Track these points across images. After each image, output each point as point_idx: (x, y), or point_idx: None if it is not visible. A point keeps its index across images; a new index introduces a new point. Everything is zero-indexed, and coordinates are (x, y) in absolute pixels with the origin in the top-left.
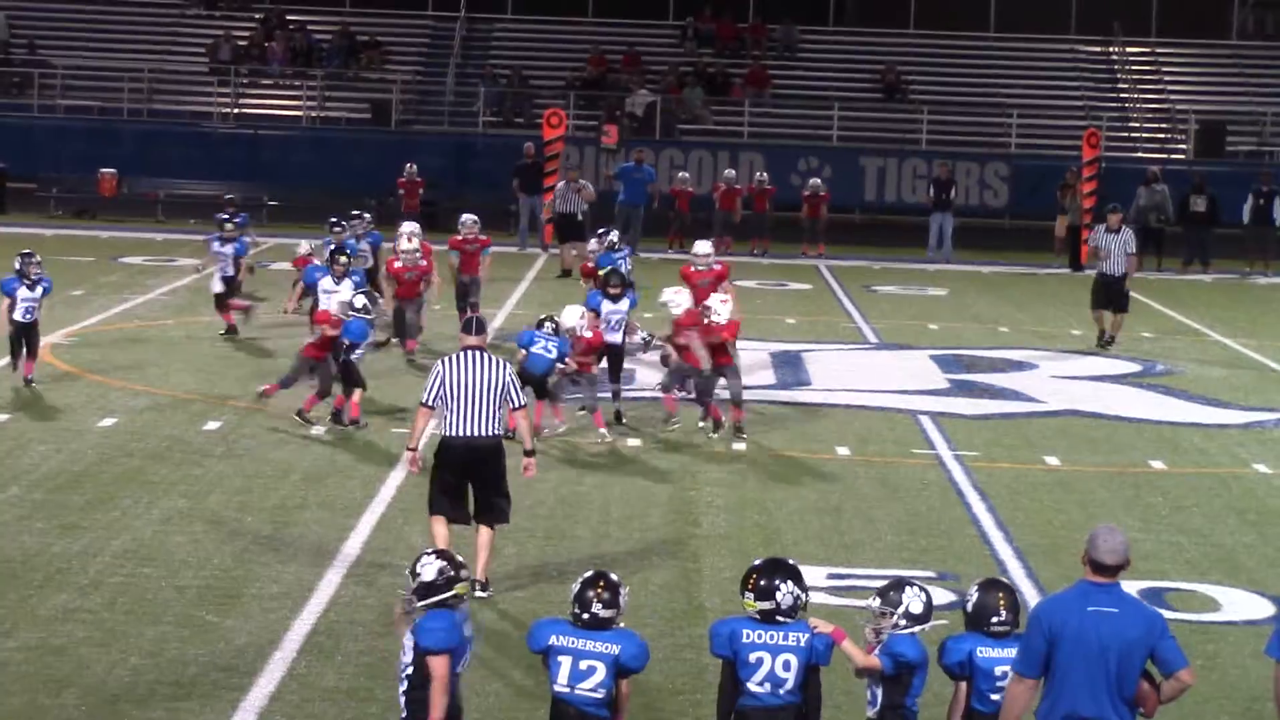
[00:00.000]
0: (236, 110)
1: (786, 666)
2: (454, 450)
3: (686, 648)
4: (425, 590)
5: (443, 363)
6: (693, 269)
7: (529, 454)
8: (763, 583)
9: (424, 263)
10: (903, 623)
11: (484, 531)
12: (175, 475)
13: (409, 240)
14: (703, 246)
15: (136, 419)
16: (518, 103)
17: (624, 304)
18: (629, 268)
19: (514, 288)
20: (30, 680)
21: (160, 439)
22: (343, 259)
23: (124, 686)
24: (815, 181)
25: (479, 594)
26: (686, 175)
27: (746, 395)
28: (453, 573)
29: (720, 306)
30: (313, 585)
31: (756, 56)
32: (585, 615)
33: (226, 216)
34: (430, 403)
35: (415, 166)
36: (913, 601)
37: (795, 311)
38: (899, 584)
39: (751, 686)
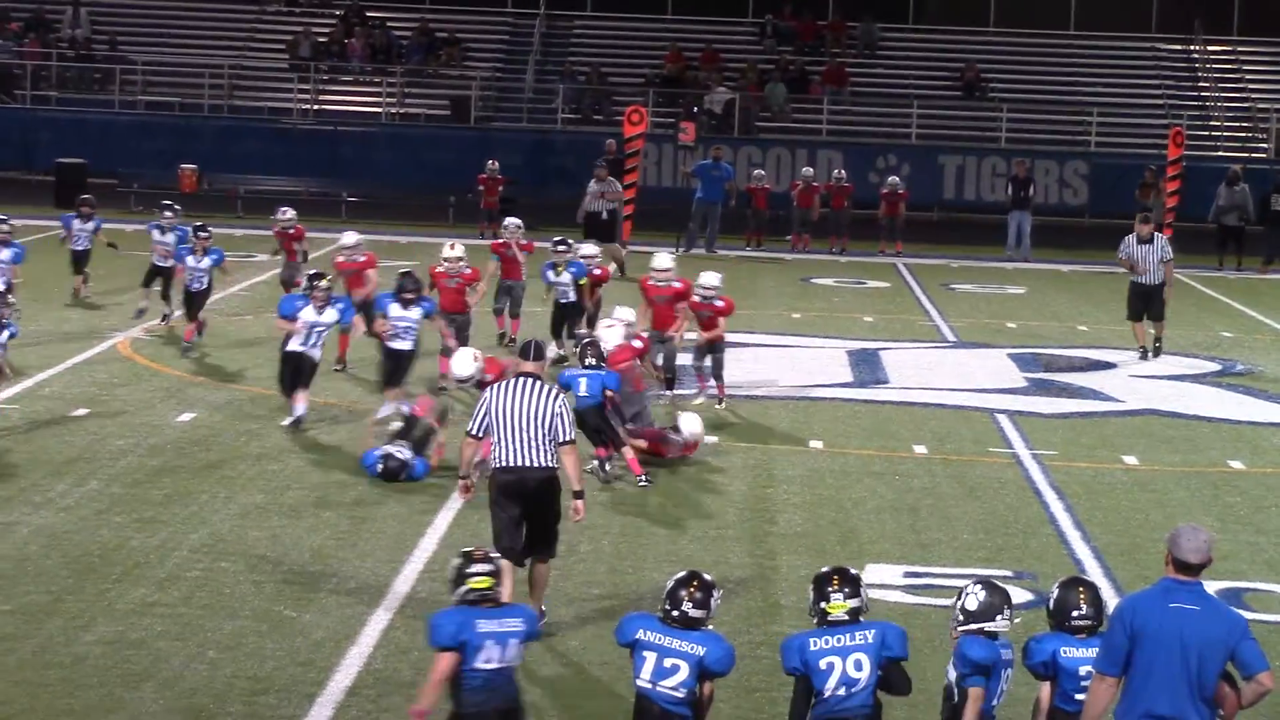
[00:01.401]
0: (316, 107)
1: (859, 666)
2: (505, 483)
3: (762, 645)
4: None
5: (492, 391)
6: (650, 283)
7: (578, 495)
8: (847, 587)
9: (468, 270)
10: (960, 618)
11: (536, 568)
12: (253, 470)
13: (451, 248)
14: (662, 260)
15: (215, 414)
16: (596, 100)
17: (415, 312)
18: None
19: None
20: (108, 674)
21: (238, 434)
22: (323, 283)
23: (201, 680)
24: (894, 179)
25: None
26: (763, 173)
27: (824, 393)
28: (466, 569)
29: (608, 333)
30: (389, 581)
31: (836, 54)
32: (675, 613)
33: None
34: (476, 433)
35: (496, 163)
36: (968, 599)
37: (873, 310)
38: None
39: (829, 693)
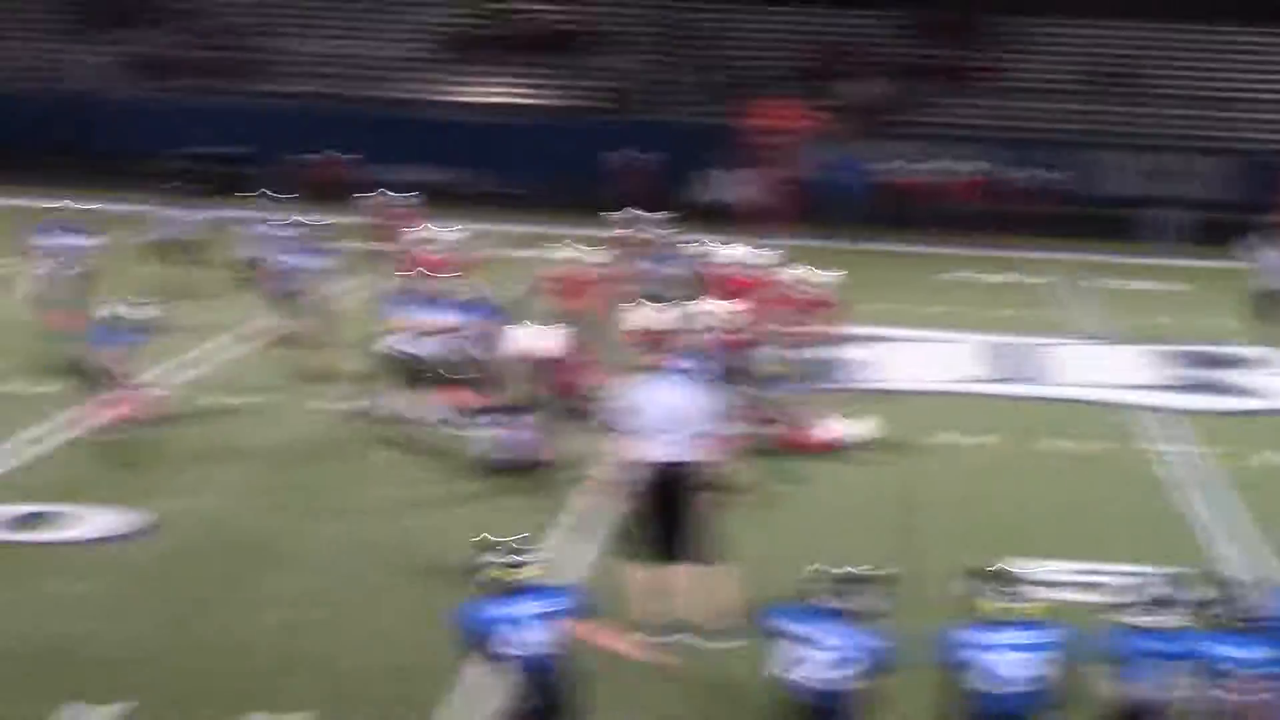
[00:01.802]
0: (463, 98)
1: (1021, 664)
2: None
3: (908, 641)
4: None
5: (631, 386)
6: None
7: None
8: (1011, 587)
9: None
10: (1121, 613)
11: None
12: (406, 460)
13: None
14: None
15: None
16: (745, 92)
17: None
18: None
19: None
20: (262, 659)
21: (390, 425)
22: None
23: (348, 667)
24: (1036, 174)
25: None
26: (905, 165)
27: (966, 387)
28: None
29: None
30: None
31: (983, 49)
32: (831, 604)
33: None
34: (621, 429)
35: (640, 155)
36: (1117, 595)
37: (1012, 304)
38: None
39: (985, 689)
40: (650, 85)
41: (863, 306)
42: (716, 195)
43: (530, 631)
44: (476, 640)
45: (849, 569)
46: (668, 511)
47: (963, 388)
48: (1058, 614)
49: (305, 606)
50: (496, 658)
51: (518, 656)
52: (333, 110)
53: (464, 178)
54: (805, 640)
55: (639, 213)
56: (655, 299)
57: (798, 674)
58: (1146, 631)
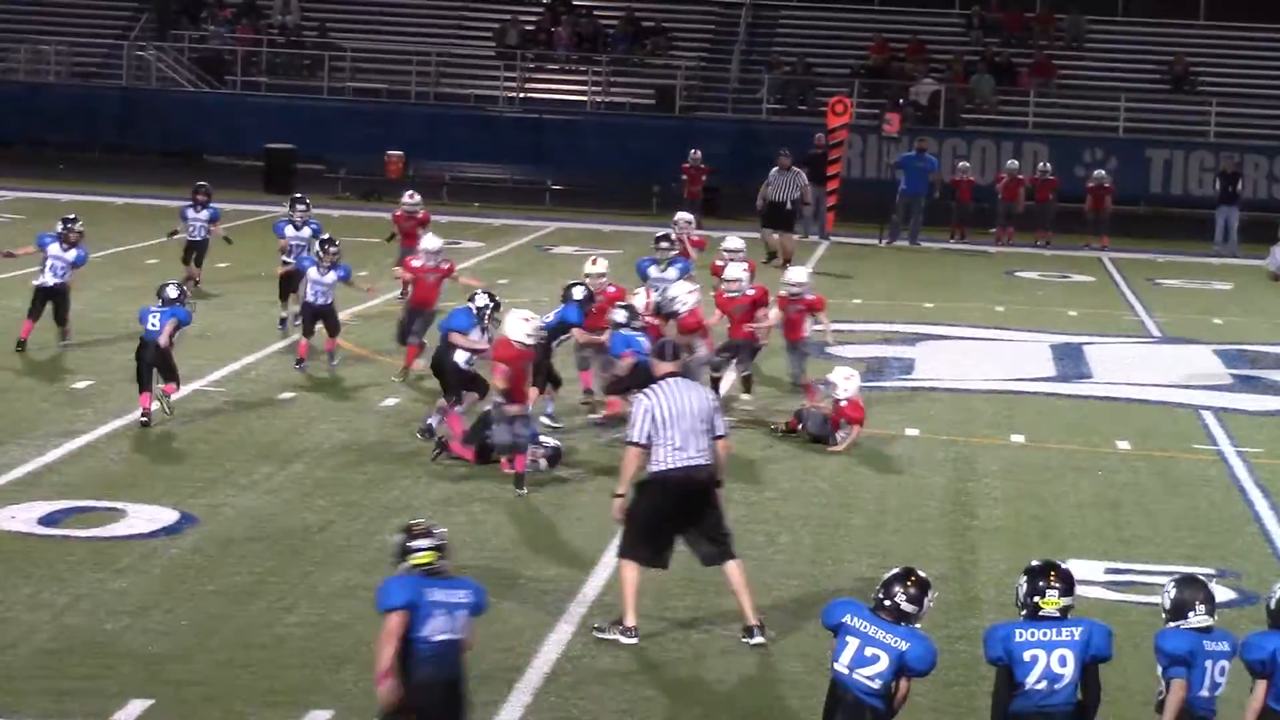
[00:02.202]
0: (522, 94)
1: (1063, 662)
2: (671, 484)
3: (961, 639)
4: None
5: (648, 395)
6: (725, 295)
7: (717, 484)
8: (1062, 584)
9: (612, 289)
10: (1163, 615)
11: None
12: (454, 456)
13: (594, 264)
14: (733, 271)
15: (419, 399)
16: (801, 90)
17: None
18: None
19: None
20: (309, 655)
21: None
22: (332, 249)
23: None
24: (1100, 173)
25: (753, 640)
26: (968, 165)
27: (1027, 386)
28: (410, 543)
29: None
30: (589, 567)
31: (1043, 46)
32: (887, 604)
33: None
34: (642, 440)
35: (700, 153)
36: (1165, 596)
37: (1077, 304)
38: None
39: (1030, 686)
40: (708, 84)
41: (925, 305)
42: (777, 195)
43: (456, 620)
44: (407, 611)
45: (916, 571)
46: (683, 515)
47: (1023, 387)
48: (1103, 614)
49: (347, 603)
50: (416, 641)
51: (438, 643)
52: (390, 107)
53: (519, 174)
54: (861, 635)
55: (683, 214)
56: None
57: (848, 668)
58: (1201, 631)
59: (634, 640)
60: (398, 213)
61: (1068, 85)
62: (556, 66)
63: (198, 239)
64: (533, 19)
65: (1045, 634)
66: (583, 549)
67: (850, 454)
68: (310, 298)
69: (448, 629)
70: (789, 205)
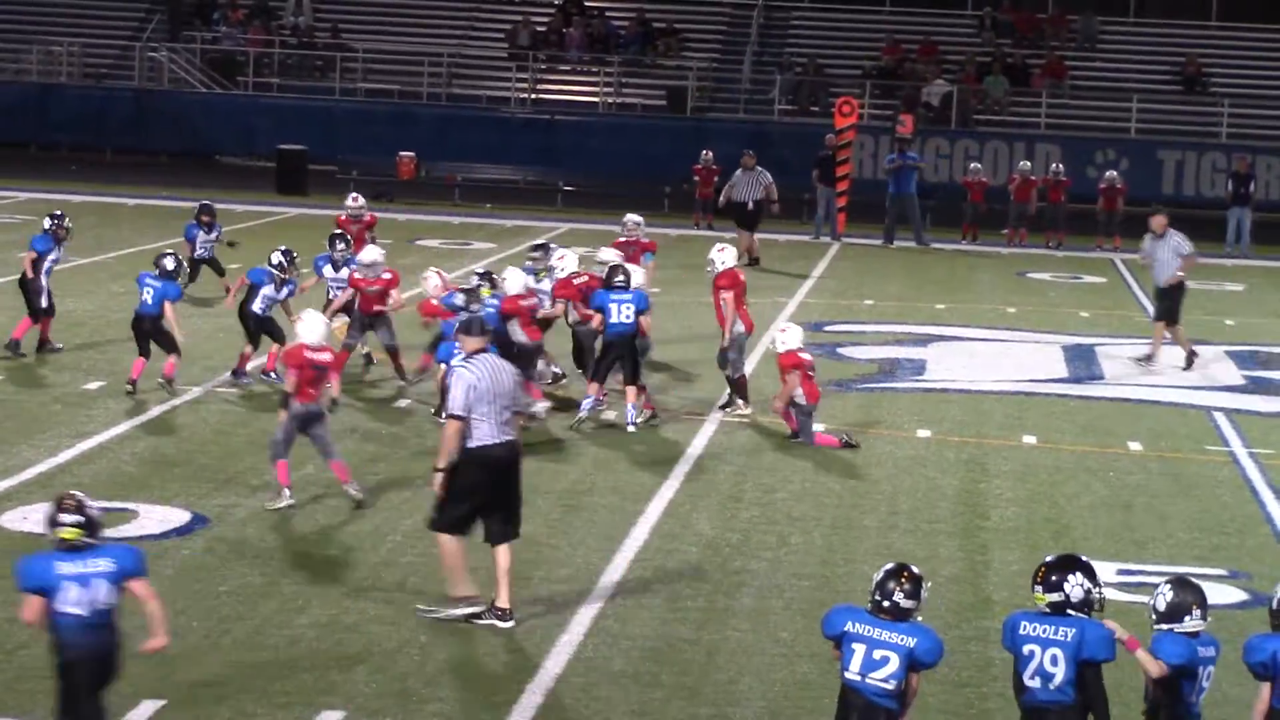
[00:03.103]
0: (533, 95)
1: (1054, 661)
2: (491, 459)
3: (973, 640)
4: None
5: (466, 369)
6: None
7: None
8: (1053, 576)
9: (387, 275)
10: (1153, 617)
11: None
12: None
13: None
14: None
15: (432, 401)
16: (813, 91)
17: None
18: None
19: (806, 277)
20: (322, 656)
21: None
22: (340, 245)
23: (413, 665)
24: (1112, 174)
25: (503, 624)
26: (979, 166)
27: (1039, 388)
28: (57, 516)
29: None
30: (600, 569)
31: (1055, 47)
32: (886, 604)
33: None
34: (463, 413)
35: (711, 154)
36: (1158, 599)
37: (1089, 305)
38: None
39: (1026, 681)
40: (720, 85)
41: (936, 307)
42: (740, 195)
43: (94, 590)
44: (38, 592)
45: (906, 566)
46: (497, 490)
47: (1035, 388)
48: (1115, 615)
49: (360, 604)
50: (56, 615)
51: (77, 615)
52: (403, 108)
53: (531, 175)
54: (866, 640)
55: (632, 216)
56: None
57: (859, 674)
58: (1165, 634)
59: (510, 623)
60: (341, 216)
61: (1080, 86)
62: (568, 67)
63: (207, 258)
64: (544, 20)
65: (1044, 630)
66: (595, 549)
67: (865, 457)
68: (259, 309)
69: (84, 601)
70: (751, 205)
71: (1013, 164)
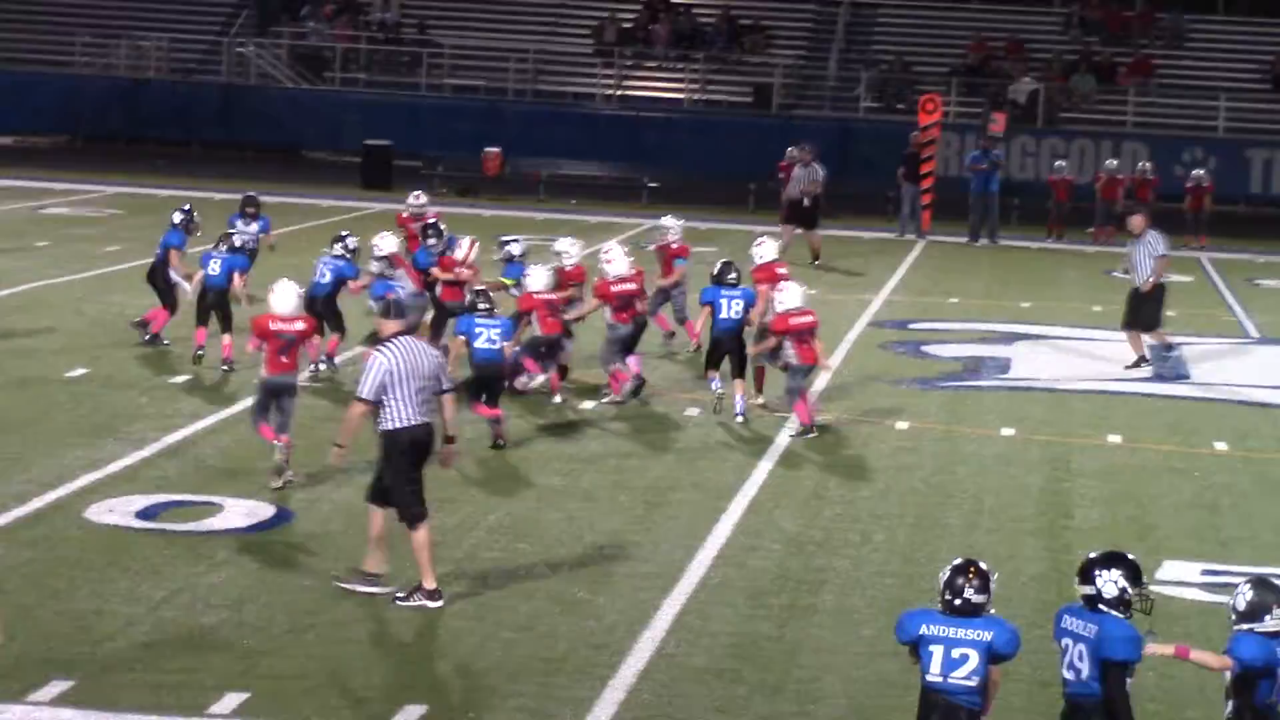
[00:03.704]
0: (619, 92)
1: (1081, 656)
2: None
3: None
4: None
5: (382, 353)
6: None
7: (450, 440)
8: (1089, 570)
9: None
10: (1232, 617)
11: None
12: (551, 453)
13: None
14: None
15: (513, 398)
16: (899, 88)
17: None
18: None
19: (890, 275)
20: (405, 651)
21: (537, 417)
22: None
23: (495, 660)
24: (1199, 172)
25: (432, 604)
26: (1064, 164)
27: (1124, 387)
28: None
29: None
30: (683, 566)
31: (1143, 45)
32: (957, 602)
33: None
34: (371, 397)
35: (797, 151)
36: (1238, 598)
37: (1175, 304)
38: (1255, 582)
39: (1064, 673)
40: (806, 82)
41: (1021, 305)
42: (794, 191)
43: None
44: None
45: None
46: (415, 471)
47: (1120, 387)
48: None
49: (447, 597)
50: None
51: None
52: (489, 104)
53: (616, 171)
54: (943, 640)
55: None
56: None
57: (941, 675)
58: (1243, 634)
59: (439, 603)
60: (403, 214)
61: (1167, 84)
62: (654, 64)
63: (250, 249)
64: (631, 16)
65: (1075, 625)
66: (678, 545)
67: (954, 456)
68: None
69: None
70: (806, 202)
71: (1099, 162)
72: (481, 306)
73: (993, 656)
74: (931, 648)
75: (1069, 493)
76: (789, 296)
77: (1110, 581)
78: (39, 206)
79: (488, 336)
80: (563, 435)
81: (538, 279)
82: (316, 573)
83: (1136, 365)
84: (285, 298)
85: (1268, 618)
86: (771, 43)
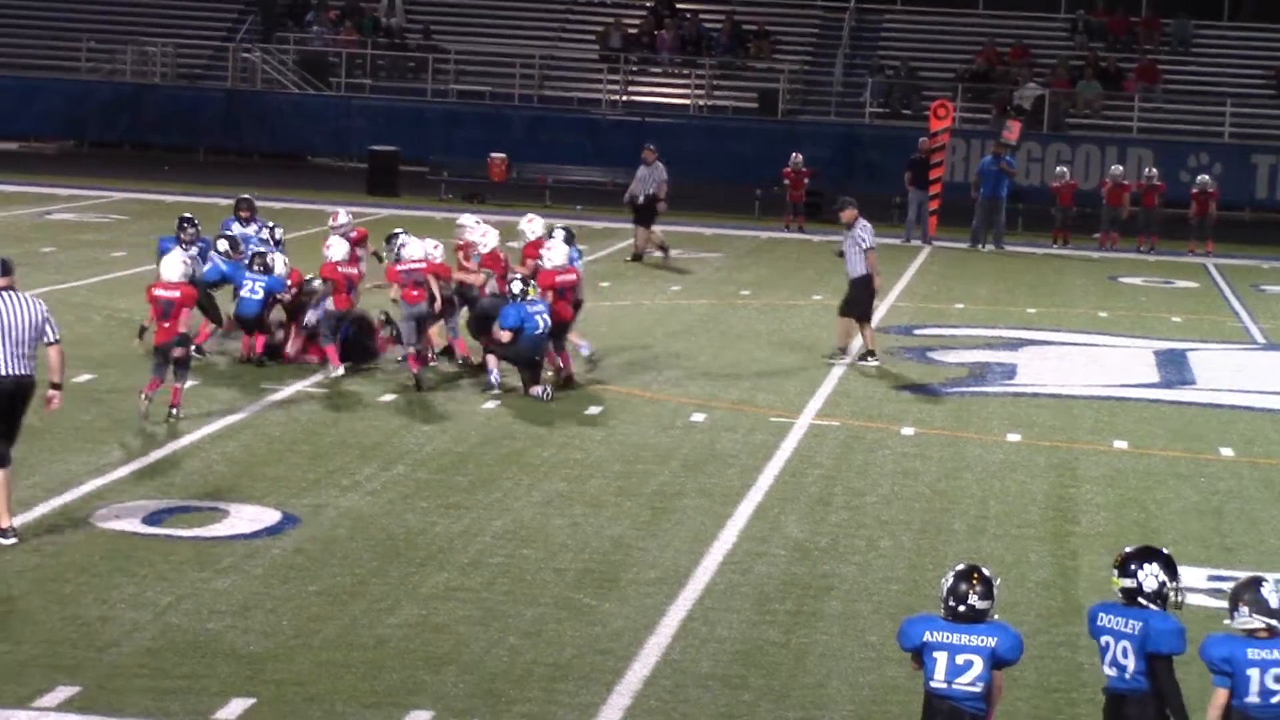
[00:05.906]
0: (625, 98)
1: (1125, 653)
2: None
3: (1062, 645)
4: None
5: None
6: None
7: (56, 387)
8: (1130, 564)
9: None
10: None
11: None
12: (557, 458)
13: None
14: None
15: (519, 402)
16: (905, 94)
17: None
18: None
19: (896, 281)
20: (410, 657)
21: (542, 423)
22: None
23: (501, 666)
24: (1204, 178)
25: (5, 540)
26: (1065, 170)
27: (1130, 393)
28: None
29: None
30: (689, 572)
31: (1148, 51)
32: (961, 608)
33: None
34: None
35: (801, 157)
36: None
37: (1181, 310)
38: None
39: (1105, 670)
40: (811, 87)
41: (1028, 311)
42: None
43: None
44: None
45: (975, 567)
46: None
47: (1126, 393)
48: (1205, 621)
49: (449, 605)
50: None
51: None
52: (494, 109)
53: (622, 177)
54: (947, 646)
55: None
56: None
57: (945, 681)
58: (1246, 635)
59: (14, 540)
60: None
61: (1173, 90)
62: (659, 70)
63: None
64: (636, 22)
65: (1116, 622)
66: (684, 551)
67: (958, 461)
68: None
69: None
70: (640, 199)
71: (1105, 168)
72: (531, 296)
73: (997, 662)
74: (935, 654)
75: (1075, 498)
76: (555, 254)
77: (1151, 575)
78: (45, 212)
79: (541, 321)
80: (568, 441)
81: (338, 250)
82: (322, 579)
83: (834, 356)
84: (171, 266)
85: (1235, 615)
86: (777, 48)
